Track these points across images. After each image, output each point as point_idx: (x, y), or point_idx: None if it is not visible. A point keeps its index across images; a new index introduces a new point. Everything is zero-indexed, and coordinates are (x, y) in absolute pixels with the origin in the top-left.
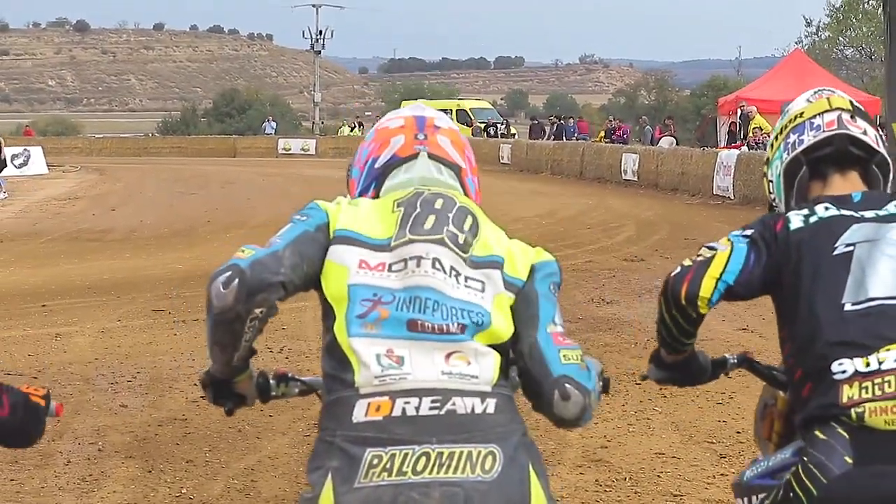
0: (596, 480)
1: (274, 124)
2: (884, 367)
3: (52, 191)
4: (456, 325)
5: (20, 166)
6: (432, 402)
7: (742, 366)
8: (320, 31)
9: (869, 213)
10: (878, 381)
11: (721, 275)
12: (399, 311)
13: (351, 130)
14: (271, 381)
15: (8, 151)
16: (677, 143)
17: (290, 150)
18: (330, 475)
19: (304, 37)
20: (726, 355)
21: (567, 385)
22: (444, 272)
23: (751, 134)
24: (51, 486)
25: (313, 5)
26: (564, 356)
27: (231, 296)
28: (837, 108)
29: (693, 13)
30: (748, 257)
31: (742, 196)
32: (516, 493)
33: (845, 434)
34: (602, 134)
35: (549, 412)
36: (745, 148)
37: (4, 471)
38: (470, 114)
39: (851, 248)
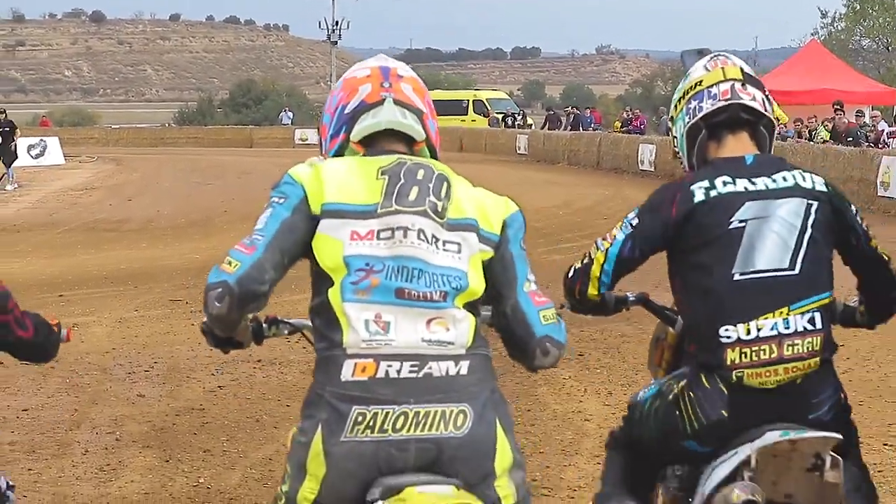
0: None
1: (290, 115)
2: (761, 334)
3: (69, 181)
4: (438, 293)
5: (37, 157)
6: (411, 366)
7: (639, 303)
8: (337, 22)
9: (761, 183)
10: (755, 348)
11: (600, 275)
12: (388, 280)
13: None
14: (263, 325)
15: (24, 142)
16: None
17: (306, 140)
18: (320, 427)
19: (321, 27)
20: (627, 294)
21: (548, 343)
22: (427, 241)
23: None
24: (68, 475)
25: None
26: (544, 317)
27: (225, 308)
28: (731, 79)
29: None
30: (622, 249)
31: None
32: (484, 446)
33: (725, 390)
34: (618, 124)
35: (529, 364)
36: None
37: (22, 460)
38: (487, 104)
39: (744, 224)
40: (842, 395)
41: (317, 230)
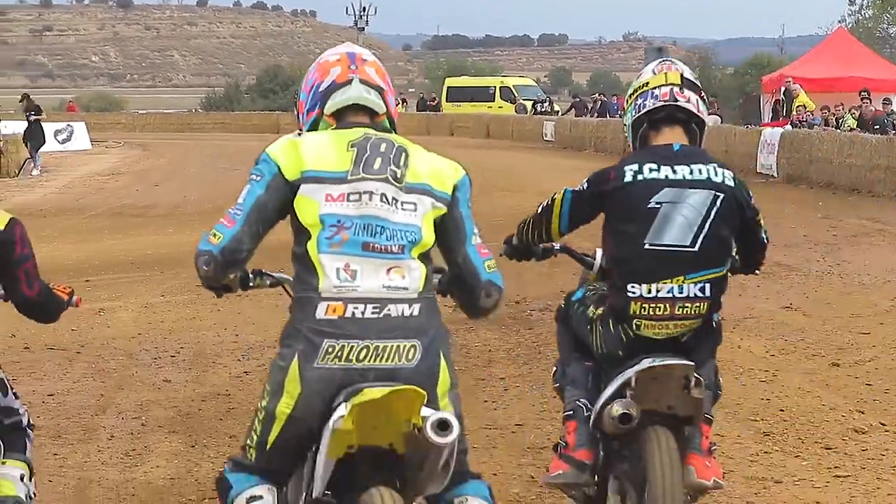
0: None
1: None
2: (660, 295)
3: (96, 166)
4: (397, 246)
5: (63, 142)
6: (373, 308)
7: (563, 252)
8: (364, 8)
9: (680, 173)
10: (653, 305)
11: (558, 215)
12: (356, 236)
13: (396, 106)
14: (250, 276)
15: (51, 127)
16: (721, 122)
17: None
18: (297, 355)
19: (348, 13)
20: (553, 244)
21: (491, 288)
22: (388, 203)
23: (794, 112)
24: (94, 460)
25: None
26: (488, 266)
27: (211, 271)
28: (671, 83)
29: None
30: (574, 200)
31: (786, 174)
32: (430, 375)
33: (624, 338)
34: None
35: (474, 304)
36: (788, 126)
37: (48, 445)
38: (514, 91)
39: (660, 206)
40: (715, 338)
41: (298, 192)
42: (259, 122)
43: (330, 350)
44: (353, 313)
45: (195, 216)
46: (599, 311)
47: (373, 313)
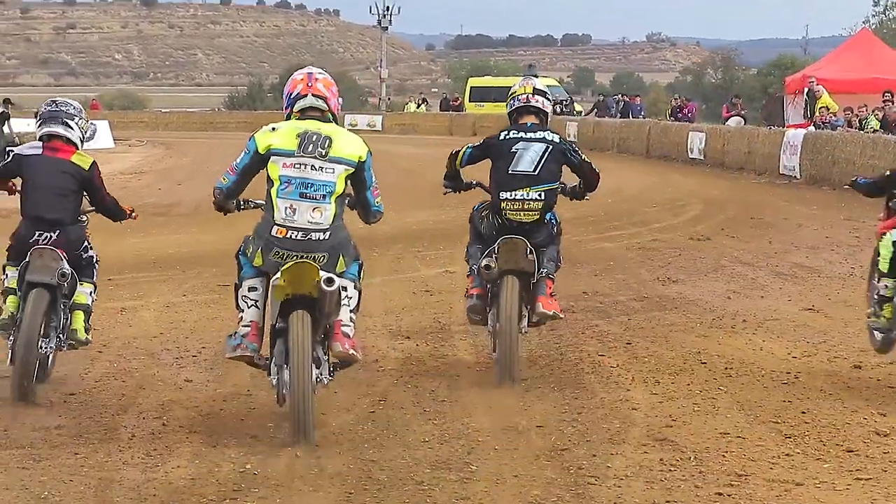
0: (661, 459)
1: (340, 100)
2: (516, 197)
3: (119, 165)
4: (320, 195)
5: (86, 140)
6: (302, 234)
7: (479, 186)
8: (387, 7)
9: (528, 135)
10: (512, 202)
11: (461, 156)
12: (297, 188)
13: (417, 107)
14: (242, 203)
15: None
16: (745, 123)
17: (356, 125)
18: (261, 247)
19: (372, 13)
20: (472, 181)
21: (376, 213)
22: (315, 170)
23: (817, 113)
24: (115, 460)
25: None
26: (378, 201)
27: (220, 198)
28: (526, 92)
29: None
30: (471, 152)
31: (809, 175)
32: (331, 268)
33: (496, 223)
34: (669, 112)
35: (366, 218)
36: (811, 127)
37: (69, 445)
38: None
39: (516, 151)
40: (553, 231)
41: (269, 160)
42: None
43: (277, 253)
44: (291, 235)
45: (218, 215)
46: (486, 211)
47: (302, 237)
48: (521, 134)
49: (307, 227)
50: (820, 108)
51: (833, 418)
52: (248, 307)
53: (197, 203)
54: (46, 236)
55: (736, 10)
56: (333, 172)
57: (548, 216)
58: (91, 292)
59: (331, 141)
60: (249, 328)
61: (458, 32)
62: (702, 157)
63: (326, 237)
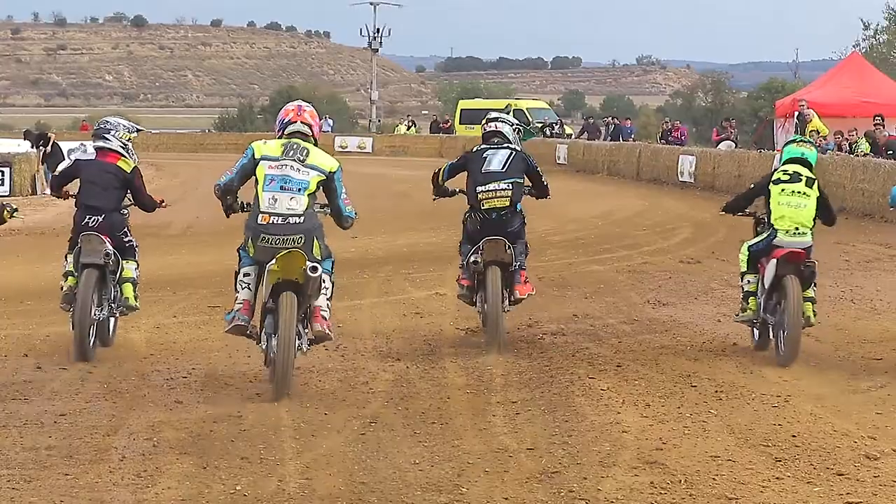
0: (651, 482)
1: (331, 122)
2: (488, 188)
3: None
4: (296, 188)
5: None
6: (282, 219)
7: (458, 193)
8: (378, 29)
9: (495, 146)
10: (485, 192)
11: (442, 172)
12: (278, 183)
13: (407, 129)
14: (244, 204)
15: (65, 146)
16: (736, 146)
17: (346, 147)
18: (250, 237)
19: (362, 34)
20: (456, 188)
21: (350, 218)
22: (294, 170)
23: (807, 136)
24: (105, 481)
25: (371, 3)
26: (349, 208)
27: (218, 193)
28: (493, 120)
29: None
30: (452, 167)
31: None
32: (308, 248)
33: (479, 219)
34: (659, 135)
35: (340, 224)
36: None
37: (59, 465)
38: (527, 113)
39: (487, 156)
40: (522, 221)
41: (258, 164)
42: None
43: (264, 238)
44: (273, 221)
45: (208, 236)
46: (468, 213)
47: (282, 222)
48: (490, 147)
49: (286, 213)
50: (810, 132)
51: (823, 442)
52: (243, 289)
53: (188, 224)
54: (94, 220)
55: (726, 34)
56: (308, 174)
57: (518, 206)
58: (135, 268)
59: (308, 152)
60: (242, 305)
61: (448, 55)
62: (692, 181)
63: (301, 221)
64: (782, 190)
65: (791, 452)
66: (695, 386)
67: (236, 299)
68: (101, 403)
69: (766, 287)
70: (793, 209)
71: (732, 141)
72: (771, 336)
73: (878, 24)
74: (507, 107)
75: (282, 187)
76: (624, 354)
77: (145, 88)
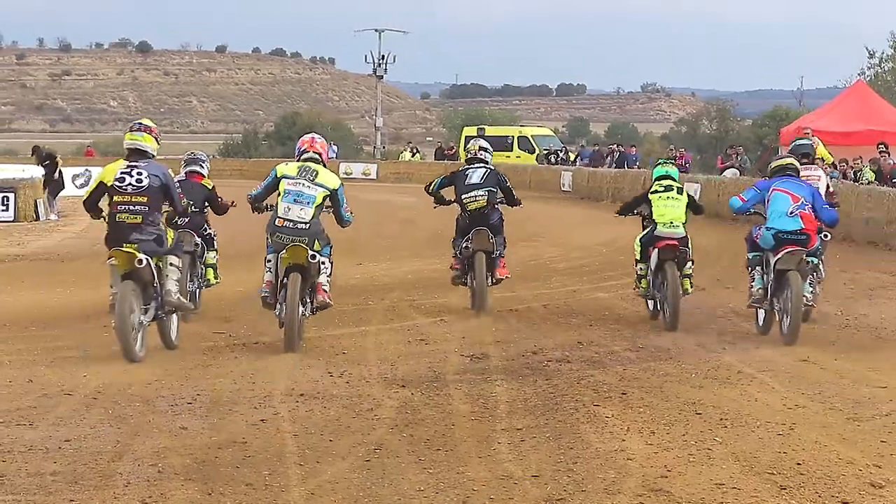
0: None
1: (335, 148)
2: (471, 195)
3: None
4: (305, 201)
5: (81, 186)
6: (292, 224)
7: (454, 202)
8: (383, 56)
9: (475, 167)
10: (470, 197)
11: (433, 185)
12: (293, 196)
13: (412, 156)
14: (266, 206)
15: (69, 171)
16: (742, 175)
17: (351, 174)
18: (269, 233)
19: (367, 61)
20: (452, 199)
21: (348, 222)
22: (305, 187)
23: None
24: None
25: (376, 30)
26: (348, 215)
27: (249, 201)
28: (474, 149)
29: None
30: (441, 181)
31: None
32: (312, 244)
33: (466, 217)
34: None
35: (341, 225)
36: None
37: (64, 491)
38: (532, 141)
39: (468, 174)
40: (500, 218)
41: (280, 180)
42: None
43: (278, 236)
44: (286, 224)
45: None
46: (459, 215)
47: (291, 226)
48: (471, 167)
49: (296, 220)
50: (815, 160)
51: (828, 470)
52: (267, 271)
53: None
54: (182, 220)
55: (731, 62)
56: (316, 191)
57: (495, 206)
58: (215, 255)
59: (317, 173)
60: (266, 283)
61: (452, 81)
62: None
63: (307, 227)
64: (659, 197)
65: (796, 480)
66: (700, 413)
67: (263, 279)
68: (106, 429)
69: (653, 270)
70: (668, 209)
71: (738, 168)
72: (659, 308)
73: (882, 53)
74: (479, 128)
75: (295, 200)
76: (629, 382)
77: (150, 114)
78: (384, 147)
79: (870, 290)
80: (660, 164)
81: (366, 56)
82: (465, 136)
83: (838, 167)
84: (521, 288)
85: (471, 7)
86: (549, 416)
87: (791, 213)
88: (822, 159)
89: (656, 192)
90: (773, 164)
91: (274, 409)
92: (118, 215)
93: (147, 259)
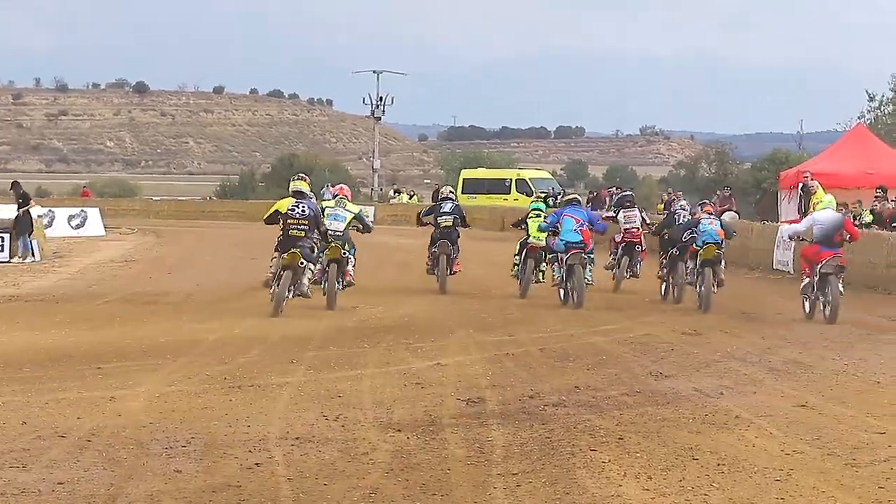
0: None
1: (333, 190)
2: (443, 220)
3: (109, 252)
4: (340, 220)
5: (77, 227)
6: (333, 232)
7: (428, 224)
8: (381, 98)
9: (447, 203)
10: (442, 219)
11: (421, 213)
12: (332, 216)
13: (410, 198)
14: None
15: (65, 212)
16: (739, 218)
17: None
18: (320, 237)
19: (365, 102)
20: (427, 221)
21: (371, 228)
22: (340, 211)
23: (812, 208)
24: None
25: (374, 71)
26: (371, 223)
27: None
28: (447, 192)
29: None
30: (427, 212)
31: (800, 270)
32: (342, 246)
33: (438, 231)
34: (661, 206)
35: (368, 231)
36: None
37: None
38: (529, 184)
39: (442, 206)
40: (457, 234)
41: (325, 209)
42: None
43: (328, 239)
44: (329, 232)
45: (209, 304)
46: (433, 232)
47: (333, 233)
48: (444, 201)
49: (334, 230)
50: (815, 204)
51: None
52: (316, 264)
53: (188, 292)
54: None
55: (730, 105)
56: (346, 214)
57: (456, 228)
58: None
59: (346, 204)
60: (317, 270)
61: (450, 123)
62: None
63: (341, 234)
64: (533, 219)
65: None
66: (697, 459)
67: (315, 269)
68: (100, 472)
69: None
70: (535, 225)
71: (735, 212)
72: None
73: (883, 96)
74: (447, 191)
75: (334, 218)
76: (626, 426)
77: (146, 155)
78: (381, 189)
79: (868, 334)
80: (534, 199)
81: (364, 98)
82: (464, 179)
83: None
84: (517, 331)
85: (469, 49)
86: (545, 460)
87: (574, 230)
88: (819, 202)
89: (532, 217)
90: (564, 198)
91: (269, 453)
92: (290, 231)
93: (304, 261)
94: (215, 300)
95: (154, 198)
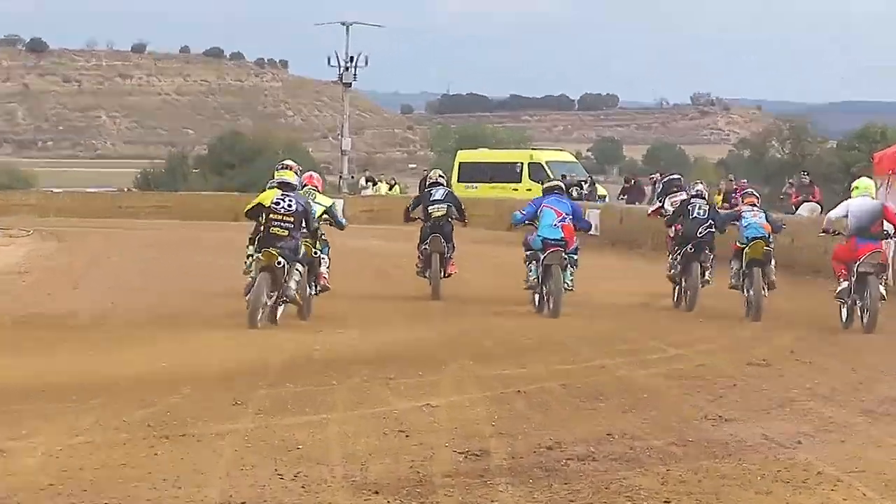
0: None
1: (320, 181)
2: (435, 207)
3: None
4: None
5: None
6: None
7: (419, 219)
8: (351, 58)
9: (437, 188)
10: (433, 209)
11: (410, 206)
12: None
13: (390, 189)
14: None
15: None
16: (822, 211)
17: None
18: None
19: (331, 64)
20: (417, 217)
21: (343, 225)
22: (313, 204)
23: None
24: None
25: (343, 23)
26: (344, 220)
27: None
28: (436, 176)
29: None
30: (415, 203)
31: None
32: (314, 243)
33: (428, 225)
34: (719, 197)
35: (340, 228)
36: None
37: None
38: (546, 168)
39: (430, 193)
40: (451, 228)
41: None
42: (211, 208)
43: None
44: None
45: (125, 329)
46: (422, 224)
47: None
48: (434, 188)
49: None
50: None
51: None
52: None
53: (101, 312)
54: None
55: (809, 65)
56: (316, 206)
57: (449, 218)
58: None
59: (315, 196)
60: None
61: (444, 91)
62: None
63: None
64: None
65: None
66: None
67: (302, 271)
68: None
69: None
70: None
71: (818, 203)
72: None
73: None
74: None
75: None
76: (674, 486)
77: (44, 133)
78: (352, 177)
79: None
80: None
81: (329, 58)
82: (460, 163)
83: None
84: (531, 361)
85: None
86: None
87: (555, 224)
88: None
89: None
90: (545, 186)
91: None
92: (271, 228)
93: (284, 262)
94: (135, 323)
95: (55, 189)
